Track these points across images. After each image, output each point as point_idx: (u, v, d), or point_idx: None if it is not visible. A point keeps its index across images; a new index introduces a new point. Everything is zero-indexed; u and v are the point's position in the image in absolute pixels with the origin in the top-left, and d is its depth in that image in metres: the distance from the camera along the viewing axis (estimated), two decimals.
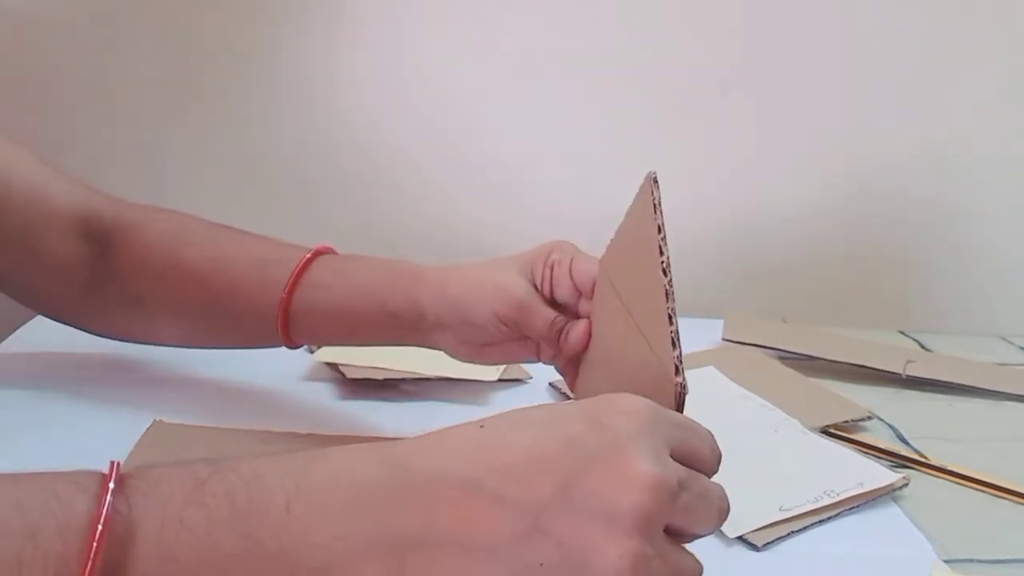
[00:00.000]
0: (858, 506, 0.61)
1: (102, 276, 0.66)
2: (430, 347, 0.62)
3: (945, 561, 0.56)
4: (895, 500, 0.63)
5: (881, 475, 0.64)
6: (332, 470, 0.37)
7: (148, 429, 0.62)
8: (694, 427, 0.41)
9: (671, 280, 0.42)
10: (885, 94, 1.03)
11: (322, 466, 0.37)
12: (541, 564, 0.35)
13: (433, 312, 0.60)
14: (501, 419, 0.39)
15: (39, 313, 0.70)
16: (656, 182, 0.45)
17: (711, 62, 1.02)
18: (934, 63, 1.03)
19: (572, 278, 0.58)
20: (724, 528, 0.56)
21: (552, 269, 0.59)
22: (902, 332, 1.04)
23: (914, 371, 0.84)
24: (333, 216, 1.04)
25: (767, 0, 1.01)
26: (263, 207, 1.03)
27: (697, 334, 0.90)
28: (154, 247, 0.65)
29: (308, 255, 0.63)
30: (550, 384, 0.79)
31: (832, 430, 0.73)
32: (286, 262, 0.63)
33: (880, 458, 0.68)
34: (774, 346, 0.89)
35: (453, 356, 0.62)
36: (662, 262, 0.42)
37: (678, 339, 0.41)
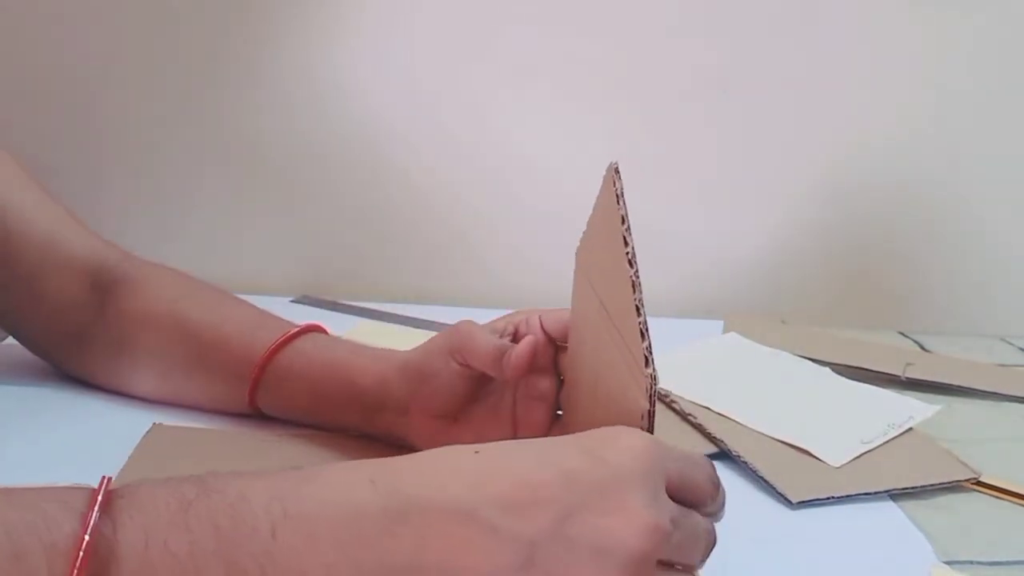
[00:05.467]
0: (857, 504, 0.62)
1: (95, 321, 0.67)
2: (396, 438, 0.61)
3: (945, 562, 0.56)
4: (895, 500, 0.63)
5: (925, 409, 0.75)
6: (321, 492, 0.36)
7: (147, 433, 0.62)
8: (691, 458, 0.41)
9: (637, 271, 0.42)
10: (885, 94, 1.04)
11: (311, 488, 0.37)
12: None
13: (399, 389, 0.59)
14: (498, 447, 0.39)
15: (29, 349, 0.71)
16: (618, 172, 0.45)
17: (711, 62, 1.02)
18: (933, 62, 1.03)
19: (544, 330, 0.57)
20: (827, 459, 0.66)
21: (518, 327, 0.58)
22: (902, 333, 1.04)
23: (913, 373, 0.85)
24: (334, 213, 1.04)
25: (765, 1, 1.01)
26: (262, 204, 1.03)
27: (697, 334, 0.90)
28: (153, 296, 0.66)
29: (298, 328, 0.64)
30: None
31: None
32: (277, 330, 0.64)
33: None
34: (773, 347, 0.89)
35: (420, 445, 0.59)
36: (627, 253, 0.42)
37: (647, 330, 0.41)
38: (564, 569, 0.35)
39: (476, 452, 0.38)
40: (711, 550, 0.41)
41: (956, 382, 0.85)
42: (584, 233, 0.53)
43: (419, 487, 0.36)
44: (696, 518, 0.40)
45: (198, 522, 0.34)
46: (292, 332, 0.63)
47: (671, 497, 0.39)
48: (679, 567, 0.39)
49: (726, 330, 0.93)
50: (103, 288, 0.67)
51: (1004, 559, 0.57)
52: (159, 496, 0.35)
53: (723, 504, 0.42)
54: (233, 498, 0.35)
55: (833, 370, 0.83)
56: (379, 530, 0.35)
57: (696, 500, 0.40)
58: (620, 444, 0.38)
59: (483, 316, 0.62)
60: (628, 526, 0.35)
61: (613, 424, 0.42)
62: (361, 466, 0.38)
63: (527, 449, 0.39)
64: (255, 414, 0.65)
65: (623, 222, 0.43)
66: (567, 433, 0.49)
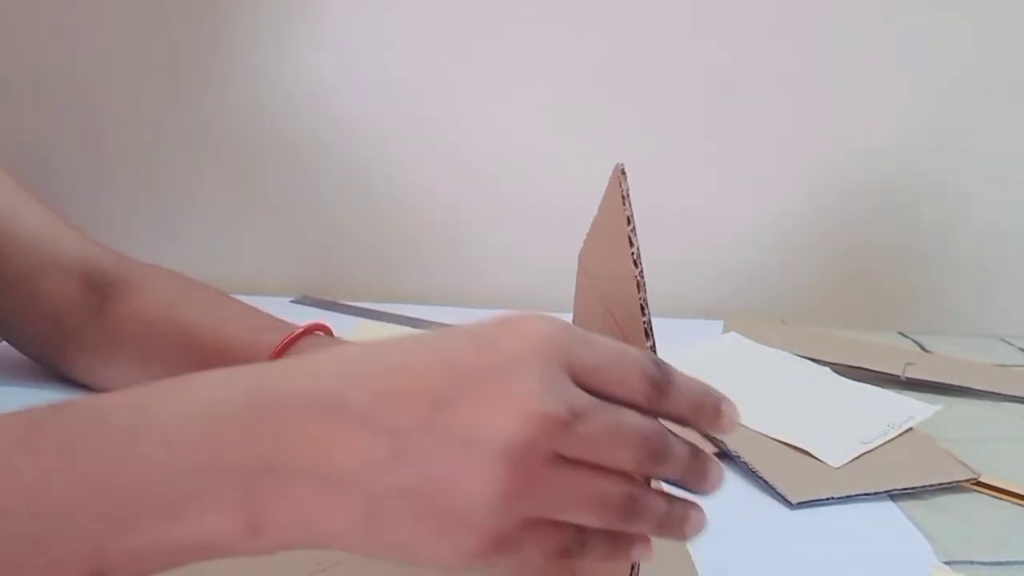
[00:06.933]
0: (857, 505, 0.62)
1: (92, 324, 0.66)
2: None
3: (945, 562, 0.56)
4: (895, 500, 0.63)
5: (924, 409, 0.75)
6: (187, 392, 0.34)
7: None
8: (620, 351, 0.36)
9: (642, 271, 0.42)
10: (884, 94, 1.03)
11: (179, 390, 0.34)
12: (401, 489, 0.32)
13: None
14: (390, 340, 0.35)
15: (23, 353, 0.70)
16: (624, 174, 0.45)
17: (711, 62, 1.02)
18: (934, 61, 1.03)
19: None
20: (827, 459, 0.65)
21: None
22: (901, 333, 1.04)
23: (913, 373, 0.85)
24: (334, 213, 1.04)
25: (765, 1, 1.01)
26: (262, 204, 1.03)
27: (697, 334, 0.90)
28: (150, 298, 0.66)
29: (302, 329, 0.63)
30: None
31: None
32: (280, 331, 0.63)
33: None
34: (773, 347, 0.89)
35: None
36: (632, 253, 0.42)
37: (651, 329, 0.41)
38: (435, 463, 0.32)
39: (368, 347, 0.35)
40: (649, 453, 0.35)
41: (956, 382, 0.85)
42: (587, 235, 0.53)
43: (288, 380, 0.34)
44: (620, 412, 0.35)
45: (49, 442, 0.33)
46: (296, 333, 0.63)
47: (585, 388, 0.35)
48: (606, 469, 0.35)
49: (726, 330, 0.93)
50: (99, 290, 0.67)
51: (1004, 559, 0.57)
52: (6, 422, 0.33)
53: (687, 406, 0.37)
54: (90, 413, 0.34)
55: (833, 370, 0.83)
56: (240, 428, 0.33)
57: (623, 395, 0.36)
58: (519, 329, 0.35)
59: (482, 317, 0.62)
60: (506, 414, 0.32)
61: None
62: (242, 368, 0.35)
63: (419, 340, 0.35)
64: None
65: (629, 223, 0.43)
66: None
